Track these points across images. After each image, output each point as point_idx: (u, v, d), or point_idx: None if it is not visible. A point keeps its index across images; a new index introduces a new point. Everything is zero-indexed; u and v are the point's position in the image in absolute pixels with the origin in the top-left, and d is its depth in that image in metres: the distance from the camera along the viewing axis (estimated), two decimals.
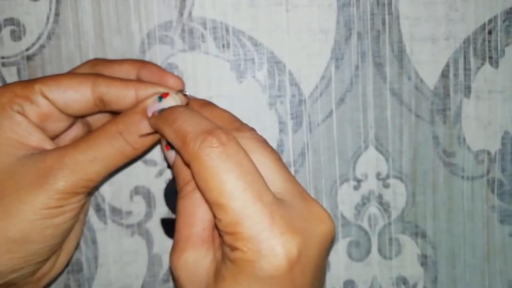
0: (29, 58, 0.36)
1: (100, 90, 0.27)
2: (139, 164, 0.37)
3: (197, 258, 0.24)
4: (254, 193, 0.22)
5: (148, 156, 0.37)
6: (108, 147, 0.26)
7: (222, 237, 0.23)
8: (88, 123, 0.32)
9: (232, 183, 0.22)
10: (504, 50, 0.38)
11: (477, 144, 0.38)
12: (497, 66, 0.38)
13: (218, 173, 0.22)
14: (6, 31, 0.36)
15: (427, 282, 0.39)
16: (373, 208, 0.38)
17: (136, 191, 0.37)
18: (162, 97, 0.27)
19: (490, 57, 0.38)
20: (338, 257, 0.38)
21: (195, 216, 0.25)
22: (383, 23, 0.37)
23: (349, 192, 0.38)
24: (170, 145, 0.26)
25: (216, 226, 0.24)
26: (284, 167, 0.25)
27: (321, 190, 0.38)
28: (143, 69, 0.29)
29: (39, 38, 0.36)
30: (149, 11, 0.36)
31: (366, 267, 0.39)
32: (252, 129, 0.28)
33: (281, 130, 0.37)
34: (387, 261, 0.39)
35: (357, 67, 0.37)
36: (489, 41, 0.38)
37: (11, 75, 0.36)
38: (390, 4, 0.37)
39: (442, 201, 0.38)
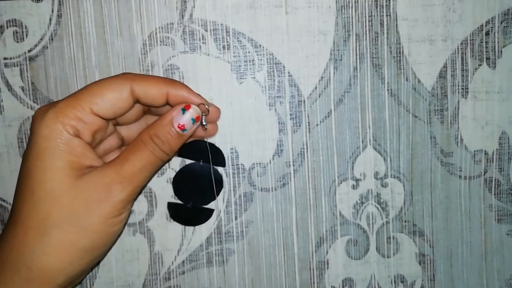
0: (31, 59, 0.36)
1: (138, 91, 0.30)
2: None
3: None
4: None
5: None
6: (151, 156, 0.30)
7: None
8: (120, 134, 0.34)
9: None
10: (501, 51, 0.38)
11: (474, 144, 0.38)
12: (494, 67, 0.38)
13: None
14: (9, 32, 0.36)
15: (425, 280, 0.39)
16: (371, 207, 0.38)
17: None
18: (185, 109, 0.31)
19: (488, 58, 0.38)
20: (336, 255, 0.39)
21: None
22: (381, 24, 0.37)
23: (348, 191, 0.38)
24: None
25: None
26: None
27: (320, 189, 0.38)
28: (173, 91, 0.31)
29: (41, 39, 0.36)
30: (151, 13, 0.36)
31: (364, 265, 0.39)
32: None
33: (280, 130, 0.38)
34: (385, 260, 0.39)
35: (355, 68, 0.37)
36: (487, 42, 0.38)
37: (13, 76, 0.36)
38: (388, 6, 0.37)
39: (439, 201, 0.39)
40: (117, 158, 0.30)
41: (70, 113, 0.29)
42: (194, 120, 0.31)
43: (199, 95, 0.32)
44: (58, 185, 0.28)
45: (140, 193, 0.33)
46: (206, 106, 0.32)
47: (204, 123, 0.32)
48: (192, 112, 0.31)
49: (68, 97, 0.30)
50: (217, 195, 0.36)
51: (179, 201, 0.36)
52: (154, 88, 0.30)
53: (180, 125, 0.30)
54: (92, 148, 0.30)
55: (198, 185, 0.35)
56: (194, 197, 0.36)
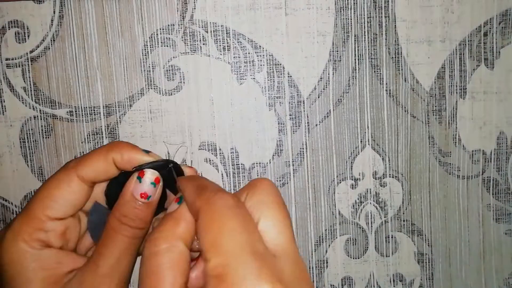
0: (33, 60, 0.36)
1: (86, 177, 0.28)
2: None
3: None
4: (248, 243, 0.23)
5: None
6: (125, 240, 0.27)
7: (206, 284, 0.24)
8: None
9: (231, 228, 0.24)
10: (499, 52, 0.38)
11: (472, 144, 0.39)
12: (492, 68, 0.38)
13: (222, 218, 0.24)
14: (11, 33, 0.36)
15: (424, 279, 0.39)
16: (370, 207, 0.39)
17: None
18: (140, 176, 0.28)
19: (486, 59, 0.38)
20: (336, 254, 0.39)
21: (169, 273, 0.25)
22: (380, 25, 0.37)
23: (347, 190, 0.39)
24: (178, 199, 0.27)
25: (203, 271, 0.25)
26: (288, 226, 0.26)
27: (319, 188, 0.38)
28: (118, 157, 0.28)
29: (43, 40, 0.36)
30: (152, 14, 0.36)
31: (363, 264, 0.39)
32: (267, 180, 0.28)
33: (280, 130, 0.38)
34: (384, 259, 0.39)
35: (354, 69, 0.38)
36: (485, 43, 0.38)
37: (15, 77, 0.36)
38: (387, 7, 0.37)
39: (438, 200, 0.39)
40: (91, 256, 0.27)
41: (28, 228, 0.27)
42: (154, 184, 0.28)
43: (144, 152, 0.29)
44: None
45: (129, 279, 0.30)
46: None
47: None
48: (149, 176, 0.28)
49: (20, 213, 0.28)
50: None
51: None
52: (98, 163, 0.28)
53: (142, 194, 0.28)
54: (69, 249, 0.28)
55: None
56: None
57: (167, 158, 0.30)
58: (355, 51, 0.37)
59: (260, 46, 0.37)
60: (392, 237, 0.39)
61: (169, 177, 0.29)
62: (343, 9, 0.37)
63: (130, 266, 0.28)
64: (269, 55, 0.37)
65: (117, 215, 0.28)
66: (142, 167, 0.28)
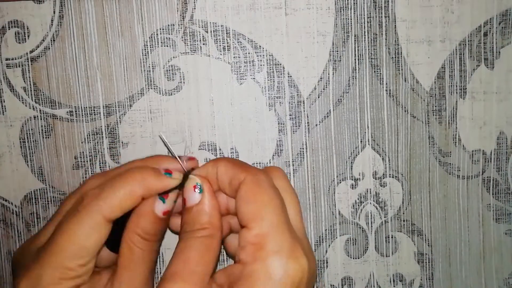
0: (33, 60, 0.37)
1: (112, 216, 0.27)
2: None
3: None
4: (286, 219, 0.26)
5: None
6: (142, 265, 0.28)
7: (240, 253, 0.25)
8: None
9: (274, 204, 0.26)
10: (499, 52, 0.38)
11: (472, 144, 0.39)
12: (492, 68, 0.38)
13: (267, 193, 0.26)
14: (11, 33, 0.36)
15: (424, 279, 0.39)
16: (370, 207, 0.39)
17: None
18: (164, 198, 0.28)
19: (486, 59, 0.38)
20: (335, 254, 0.39)
21: (199, 255, 0.26)
22: (380, 25, 0.37)
23: (347, 190, 0.39)
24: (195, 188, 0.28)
25: (239, 243, 0.26)
26: (300, 211, 0.29)
27: (319, 189, 0.38)
28: (146, 193, 0.28)
29: (43, 40, 0.36)
30: (152, 14, 0.36)
31: (363, 264, 0.39)
32: (280, 168, 0.31)
33: (280, 130, 0.38)
34: (384, 259, 0.39)
35: (354, 69, 0.38)
36: (485, 43, 0.38)
37: (15, 77, 0.37)
38: (386, 7, 0.37)
39: (438, 200, 0.39)
40: (116, 274, 0.27)
41: (45, 284, 0.25)
42: (175, 201, 0.29)
43: (167, 178, 0.29)
44: None
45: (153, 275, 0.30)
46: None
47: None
48: (172, 197, 0.29)
49: (38, 258, 0.26)
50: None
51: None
52: (126, 203, 0.27)
53: (164, 212, 0.28)
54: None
55: None
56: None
57: (185, 171, 0.30)
58: (355, 51, 0.37)
59: (260, 46, 0.37)
60: (392, 237, 0.39)
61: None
62: (343, 9, 0.37)
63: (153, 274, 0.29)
64: (269, 55, 0.37)
65: (138, 231, 0.27)
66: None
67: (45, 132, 0.37)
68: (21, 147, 0.37)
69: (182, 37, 0.37)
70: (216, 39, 0.37)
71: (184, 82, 0.37)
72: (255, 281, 0.24)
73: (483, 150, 0.39)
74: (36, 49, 0.36)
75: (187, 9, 0.36)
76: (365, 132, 0.38)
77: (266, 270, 0.24)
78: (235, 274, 0.25)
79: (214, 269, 0.27)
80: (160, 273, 0.38)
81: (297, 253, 0.25)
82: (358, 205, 0.39)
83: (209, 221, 0.27)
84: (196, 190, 0.28)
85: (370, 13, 0.37)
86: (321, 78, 0.37)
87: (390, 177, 0.38)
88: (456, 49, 0.38)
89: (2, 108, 0.37)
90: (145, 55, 0.37)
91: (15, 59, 0.36)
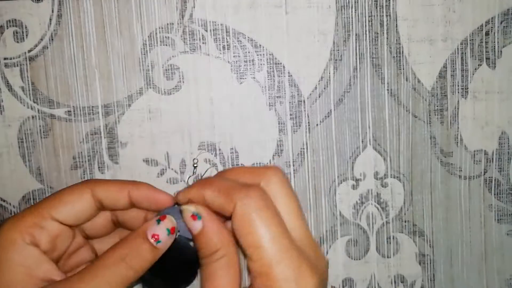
0: (31, 59, 0.36)
1: (98, 194, 0.29)
2: (140, 163, 0.37)
3: None
4: (287, 240, 0.26)
5: (150, 156, 0.37)
6: (112, 275, 0.27)
7: (253, 282, 0.26)
8: (93, 248, 0.32)
9: (272, 230, 0.26)
10: (501, 51, 0.38)
11: (474, 144, 0.39)
12: (494, 67, 0.38)
13: (261, 220, 0.26)
14: (9, 32, 0.36)
15: (425, 280, 0.39)
16: (371, 207, 0.39)
17: None
18: (160, 219, 0.28)
19: (488, 58, 0.38)
20: (336, 255, 0.39)
21: (224, 278, 0.27)
22: (381, 24, 0.37)
23: (348, 191, 0.38)
24: (196, 216, 0.28)
25: (248, 270, 0.27)
26: (302, 214, 0.29)
27: (320, 189, 0.38)
28: (134, 190, 0.30)
29: (41, 39, 0.36)
30: (151, 13, 0.36)
31: (364, 265, 0.39)
32: (277, 170, 0.30)
33: (280, 130, 0.38)
34: (386, 260, 0.39)
35: (355, 68, 0.37)
36: (486, 42, 0.38)
37: (14, 76, 0.36)
38: (388, 6, 0.37)
39: (439, 200, 0.39)
40: (76, 274, 0.27)
41: (29, 221, 0.28)
42: (169, 231, 0.28)
43: (164, 192, 0.30)
44: None
45: None
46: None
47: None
48: (167, 222, 0.28)
49: (29, 207, 0.29)
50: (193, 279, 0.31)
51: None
52: (115, 189, 0.29)
53: (154, 235, 0.28)
54: (56, 262, 0.29)
55: (172, 263, 0.30)
56: (166, 276, 0.31)
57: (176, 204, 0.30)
58: (356, 50, 0.37)
59: (260, 45, 0.37)
60: (393, 238, 0.39)
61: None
62: (344, 8, 0.37)
63: None
64: (269, 54, 0.37)
65: (122, 246, 0.28)
66: (162, 212, 0.29)
67: (44, 132, 0.37)
68: (19, 147, 0.37)
69: (181, 36, 0.37)
70: (216, 38, 0.37)
71: (183, 82, 0.37)
72: None
73: (485, 150, 0.39)
74: (35, 48, 0.36)
75: (186, 7, 0.36)
76: (366, 132, 0.38)
77: None
78: None
79: (241, 280, 0.28)
80: None
81: (305, 273, 0.26)
82: (359, 206, 0.38)
83: (219, 241, 0.28)
84: (195, 219, 0.28)
85: (371, 12, 0.37)
86: (322, 78, 0.37)
87: (391, 177, 0.38)
88: (457, 48, 0.38)
89: (0, 108, 0.37)
90: (144, 54, 0.36)
91: (13, 58, 0.36)
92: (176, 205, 0.30)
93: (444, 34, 0.38)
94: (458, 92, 0.38)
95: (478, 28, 0.38)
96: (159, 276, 0.30)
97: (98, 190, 0.29)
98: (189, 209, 0.28)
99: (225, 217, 0.28)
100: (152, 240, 0.27)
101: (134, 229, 0.29)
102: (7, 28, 0.36)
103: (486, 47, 0.38)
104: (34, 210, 0.28)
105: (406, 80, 0.38)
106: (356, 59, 0.37)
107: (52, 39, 0.36)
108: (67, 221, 0.29)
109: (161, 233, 0.28)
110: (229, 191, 0.27)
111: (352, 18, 0.37)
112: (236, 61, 0.37)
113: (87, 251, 0.31)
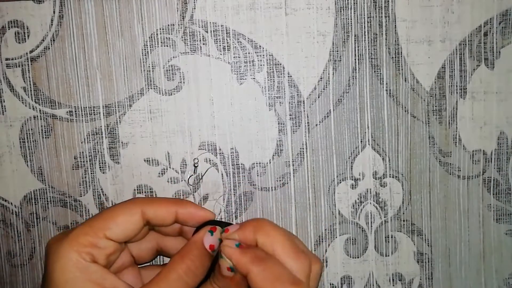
0: (33, 59, 0.37)
1: (148, 215, 0.31)
2: (141, 163, 0.37)
3: None
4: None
5: (151, 156, 0.37)
6: (183, 284, 0.30)
7: None
8: (130, 252, 0.34)
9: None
10: (499, 52, 0.38)
11: (472, 144, 0.39)
12: (492, 68, 0.38)
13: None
14: (11, 33, 0.36)
15: (423, 279, 0.39)
16: (370, 206, 0.39)
17: (139, 190, 0.38)
18: (212, 231, 0.31)
19: (486, 59, 0.38)
20: (335, 253, 0.39)
21: None
22: (380, 25, 0.37)
23: (347, 190, 0.39)
24: (231, 269, 0.31)
25: None
26: (295, 251, 0.30)
27: (319, 188, 0.38)
28: (181, 210, 0.32)
29: (43, 40, 0.36)
30: (152, 14, 0.36)
31: (363, 263, 0.39)
32: (271, 226, 0.31)
33: (280, 130, 0.38)
34: (384, 258, 0.39)
35: (354, 69, 0.38)
36: (485, 43, 0.38)
37: (15, 77, 0.36)
38: (387, 7, 0.37)
39: (438, 200, 0.39)
40: (148, 285, 0.30)
41: (84, 240, 0.29)
42: (220, 241, 0.31)
43: (207, 209, 0.33)
44: None
45: None
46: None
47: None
48: (218, 233, 0.31)
49: (81, 225, 0.30)
50: None
51: None
52: (163, 210, 0.31)
53: (211, 246, 0.31)
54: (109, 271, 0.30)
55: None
56: None
57: (220, 219, 0.35)
58: (355, 51, 0.37)
59: (260, 46, 0.37)
60: (391, 237, 0.39)
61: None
62: (343, 9, 0.37)
63: None
64: (269, 55, 0.37)
65: (185, 257, 0.30)
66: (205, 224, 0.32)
67: (45, 132, 0.37)
68: (21, 147, 0.37)
69: (182, 37, 0.37)
70: (216, 39, 0.37)
71: (184, 82, 0.37)
72: None
73: (483, 150, 0.39)
74: (36, 49, 0.36)
75: (187, 9, 0.36)
76: (365, 132, 0.38)
77: None
78: None
79: None
80: None
81: None
82: (358, 205, 0.39)
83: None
84: (229, 270, 0.30)
85: (370, 13, 0.37)
86: (321, 78, 0.37)
87: (390, 177, 0.39)
88: (456, 49, 0.38)
89: (2, 108, 0.37)
90: (145, 55, 0.37)
91: (15, 59, 0.36)
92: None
93: (443, 35, 0.38)
94: (457, 93, 0.38)
95: (476, 29, 0.38)
96: None
97: (148, 211, 0.31)
98: (227, 262, 0.30)
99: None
100: (209, 250, 0.31)
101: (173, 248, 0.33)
102: (9, 29, 0.36)
103: (484, 47, 0.38)
104: (89, 230, 0.29)
105: (405, 80, 0.38)
106: (355, 60, 0.37)
107: (54, 40, 0.36)
108: (118, 239, 0.30)
109: (215, 243, 0.31)
110: (278, 279, 0.29)
111: (351, 19, 0.37)
112: (236, 62, 0.37)
113: (127, 254, 0.33)
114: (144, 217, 0.31)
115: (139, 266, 0.33)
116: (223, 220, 0.38)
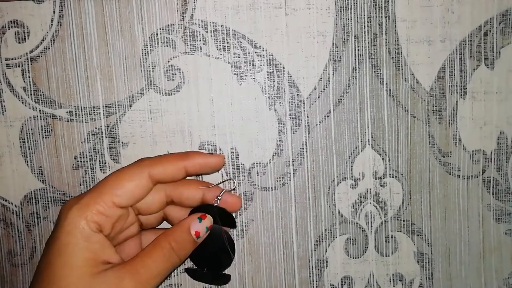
0: (33, 59, 0.37)
1: (156, 176, 0.32)
2: None
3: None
4: None
5: (151, 156, 0.37)
6: (167, 262, 0.31)
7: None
8: (140, 222, 0.35)
9: None
10: (499, 52, 0.38)
11: (472, 144, 0.39)
12: (492, 68, 0.38)
13: None
14: (11, 33, 0.36)
15: (423, 279, 0.40)
16: (370, 206, 0.39)
17: None
18: (201, 218, 0.33)
19: (486, 59, 0.38)
20: (335, 254, 0.39)
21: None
22: (380, 25, 0.37)
23: (347, 190, 0.39)
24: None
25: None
26: None
27: (319, 188, 0.38)
28: (189, 164, 0.33)
29: (43, 40, 0.36)
30: (152, 14, 0.36)
31: (363, 264, 0.39)
32: None
33: (280, 130, 0.38)
34: (384, 258, 0.39)
35: (354, 69, 0.38)
36: (485, 43, 0.38)
37: (15, 77, 0.37)
38: (387, 7, 0.37)
39: (438, 200, 0.39)
40: (134, 260, 0.31)
41: (94, 209, 0.30)
42: (207, 229, 0.33)
43: (213, 154, 0.34)
44: (74, 282, 0.29)
45: None
46: (234, 182, 0.36)
47: (219, 198, 0.35)
48: (207, 221, 0.33)
49: (90, 191, 0.31)
50: (231, 260, 0.36)
51: (195, 267, 0.36)
52: (171, 168, 0.32)
53: (196, 232, 0.32)
54: (111, 241, 0.31)
55: (211, 251, 0.35)
56: (209, 263, 0.36)
57: (228, 177, 0.37)
58: (355, 51, 0.37)
59: (260, 46, 0.37)
60: (392, 237, 0.39)
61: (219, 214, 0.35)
62: (343, 9, 0.37)
63: (158, 285, 0.33)
64: (269, 55, 0.37)
65: (169, 238, 0.32)
66: (198, 209, 0.34)
67: (45, 132, 0.37)
68: (21, 147, 0.37)
69: (182, 37, 0.37)
70: (216, 39, 0.37)
71: (184, 82, 0.37)
72: None
73: (483, 150, 0.39)
74: (36, 49, 0.36)
75: (187, 9, 0.36)
76: (365, 132, 0.38)
77: None
78: None
79: None
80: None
81: None
82: (358, 205, 0.39)
83: None
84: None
85: (370, 13, 0.37)
86: (321, 78, 0.37)
87: (390, 177, 0.39)
88: (456, 49, 0.38)
89: (2, 108, 0.37)
90: (145, 55, 0.37)
91: (15, 59, 0.36)
92: (213, 204, 0.34)
93: (443, 35, 0.38)
94: (457, 93, 0.38)
95: (476, 29, 0.38)
96: (194, 261, 0.35)
97: (156, 172, 0.32)
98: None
99: None
100: (194, 236, 0.32)
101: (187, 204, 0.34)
102: (9, 29, 0.36)
103: (484, 47, 0.38)
104: (97, 198, 0.30)
105: (405, 80, 0.38)
106: (355, 60, 0.37)
107: (54, 40, 0.36)
108: (126, 205, 0.31)
109: (202, 231, 0.33)
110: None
111: (351, 19, 0.37)
112: (236, 62, 0.37)
113: (135, 226, 0.34)
114: (152, 178, 0.32)
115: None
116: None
